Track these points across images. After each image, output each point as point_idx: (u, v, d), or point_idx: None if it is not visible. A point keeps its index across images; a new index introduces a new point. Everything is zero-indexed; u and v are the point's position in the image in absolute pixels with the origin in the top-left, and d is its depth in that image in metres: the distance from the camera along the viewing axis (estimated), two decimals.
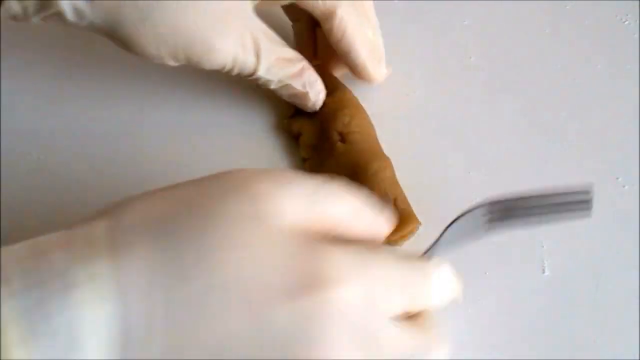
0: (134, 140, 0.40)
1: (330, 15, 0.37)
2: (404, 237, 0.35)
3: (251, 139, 0.40)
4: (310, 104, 0.39)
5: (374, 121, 0.39)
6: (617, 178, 0.39)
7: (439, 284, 0.28)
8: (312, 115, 0.39)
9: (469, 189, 0.38)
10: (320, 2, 0.36)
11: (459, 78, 0.42)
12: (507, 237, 0.36)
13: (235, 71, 0.36)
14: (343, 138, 0.38)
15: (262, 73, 0.36)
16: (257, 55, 0.35)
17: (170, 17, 0.33)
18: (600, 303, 0.35)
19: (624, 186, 0.38)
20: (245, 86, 0.40)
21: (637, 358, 0.33)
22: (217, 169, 0.39)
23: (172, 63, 0.35)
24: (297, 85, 0.38)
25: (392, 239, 0.35)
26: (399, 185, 0.37)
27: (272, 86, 0.37)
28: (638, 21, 0.44)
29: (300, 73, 0.37)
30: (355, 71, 0.39)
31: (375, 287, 0.25)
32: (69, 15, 0.32)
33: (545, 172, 0.39)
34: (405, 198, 0.36)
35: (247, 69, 0.36)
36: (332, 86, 0.40)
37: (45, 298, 0.22)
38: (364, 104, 0.40)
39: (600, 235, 0.37)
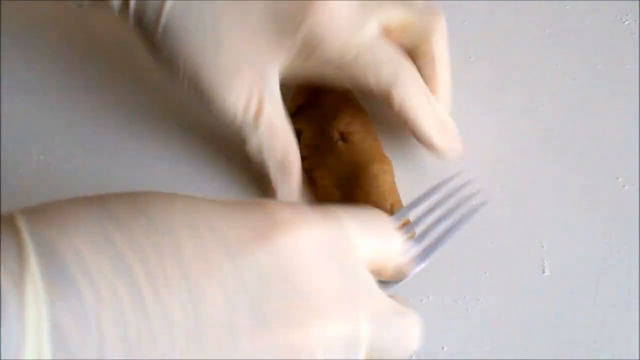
0: (135, 139, 0.40)
1: (387, 94, 0.35)
2: None
3: None
4: (268, 194, 0.36)
5: (373, 121, 0.39)
6: (617, 178, 0.39)
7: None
8: (313, 114, 0.39)
9: (469, 188, 0.38)
10: (373, 83, 0.35)
11: (459, 78, 0.42)
12: (507, 237, 0.37)
13: (231, 128, 0.35)
14: (344, 137, 0.38)
15: (250, 147, 0.35)
16: (256, 120, 0.34)
17: (186, 52, 0.33)
18: (600, 303, 0.35)
19: (624, 186, 0.38)
20: None
21: (637, 358, 0.33)
22: (213, 165, 0.39)
23: (182, 90, 0.35)
24: (273, 177, 0.35)
25: None
26: (397, 191, 0.37)
27: (253, 162, 0.35)
28: (638, 21, 0.44)
29: (283, 170, 0.35)
30: (421, 142, 0.36)
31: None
32: (116, 10, 0.34)
33: (545, 172, 0.39)
34: (401, 206, 0.36)
35: (242, 132, 0.34)
36: (332, 87, 0.40)
37: None
38: (364, 104, 0.40)
39: (600, 235, 0.37)
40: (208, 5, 0.33)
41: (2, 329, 0.18)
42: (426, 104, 0.36)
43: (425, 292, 0.35)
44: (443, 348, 0.34)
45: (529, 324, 0.34)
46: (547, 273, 0.36)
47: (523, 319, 0.34)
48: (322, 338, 0.21)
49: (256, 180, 0.37)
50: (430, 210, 0.32)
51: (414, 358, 0.33)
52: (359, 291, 0.23)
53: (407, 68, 0.36)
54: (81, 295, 0.19)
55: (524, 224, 0.37)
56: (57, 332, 0.19)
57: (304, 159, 0.39)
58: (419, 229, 0.31)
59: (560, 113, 0.41)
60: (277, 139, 0.35)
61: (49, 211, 0.21)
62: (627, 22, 0.44)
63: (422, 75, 0.37)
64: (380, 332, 0.23)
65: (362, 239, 0.25)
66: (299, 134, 0.39)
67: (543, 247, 0.36)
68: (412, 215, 0.32)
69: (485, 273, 0.36)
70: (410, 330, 0.25)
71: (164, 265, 0.20)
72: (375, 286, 0.25)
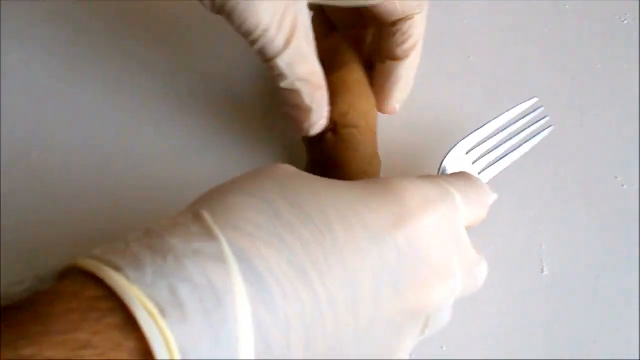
0: (135, 139, 0.40)
1: (407, 21, 0.36)
2: None
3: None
4: (306, 125, 0.35)
5: (374, 112, 0.38)
6: (617, 178, 0.39)
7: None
8: None
9: None
10: (400, 4, 0.35)
11: (458, 78, 0.42)
12: (507, 237, 0.37)
13: (259, 45, 0.33)
14: (335, 129, 0.35)
15: (281, 62, 0.33)
16: (288, 41, 0.33)
17: None
18: (600, 303, 0.35)
19: (623, 186, 0.38)
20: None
21: (637, 358, 0.33)
22: (216, 162, 0.39)
23: (207, 5, 0.32)
24: (306, 96, 0.34)
25: None
26: None
27: (282, 84, 0.34)
28: (638, 21, 0.44)
29: (315, 87, 0.35)
30: (380, 88, 0.38)
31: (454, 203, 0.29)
32: None
33: (545, 172, 0.39)
34: None
35: (272, 49, 0.33)
36: (342, 61, 0.37)
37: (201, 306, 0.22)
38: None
39: (600, 235, 0.37)
40: None
41: (222, 332, 0.21)
42: (416, 60, 0.38)
43: None
44: (443, 348, 0.34)
45: (529, 324, 0.34)
46: (546, 273, 0.36)
47: (523, 319, 0.34)
48: (439, 295, 0.26)
49: (283, 103, 0.36)
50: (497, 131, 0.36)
51: (413, 358, 0.33)
52: (459, 251, 0.28)
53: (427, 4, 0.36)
54: (272, 293, 0.22)
55: (524, 224, 0.37)
56: (259, 328, 0.22)
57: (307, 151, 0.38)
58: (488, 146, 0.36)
59: (560, 113, 0.41)
60: (306, 61, 0.34)
61: (227, 213, 0.24)
62: (626, 22, 0.44)
63: (392, 43, 0.37)
64: (466, 279, 0.28)
65: (466, 208, 0.29)
66: None
67: (543, 247, 0.36)
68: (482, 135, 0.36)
69: None
70: (481, 274, 0.30)
71: (326, 254, 0.24)
72: (468, 244, 0.29)
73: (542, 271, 0.36)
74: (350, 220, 0.25)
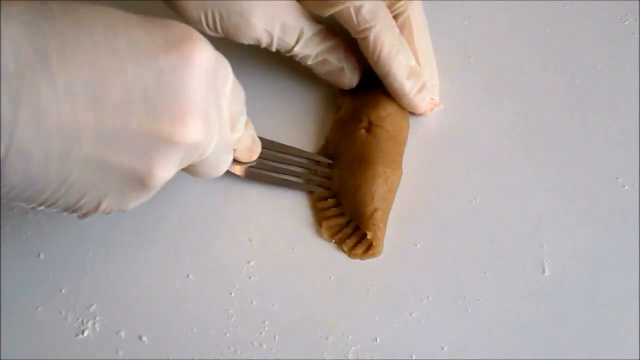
0: None
1: (364, 34, 0.37)
2: (363, 257, 0.36)
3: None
4: (347, 80, 0.39)
5: (406, 129, 0.39)
6: (617, 178, 0.39)
7: None
8: (358, 94, 0.40)
9: (469, 188, 0.38)
10: (354, 18, 0.36)
11: (458, 78, 0.42)
12: (507, 237, 0.37)
13: (274, 47, 0.36)
14: (369, 128, 0.38)
15: (299, 49, 0.37)
16: (299, 34, 0.36)
17: None
18: (600, 303, 0.35)
19: (624, 186, 0.38)
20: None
21: (637, 358, 0.34)
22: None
23: (210, 32, 0.35)
24: (334, 59, 0.38)
25: (352, 254, 0.36)
26: (389, 202, 0.37)
27: (309, 62, 0.38)
28: (638, 21, 0.44)
29: (336, 47, 0.38)
30: (395, 97, 0.39)
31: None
32: None
33: (545, 172, 0.39)
34: (384, 221, 0.37)
35: (285, 45, 0.36)
36: None
37: None
38: None
39: (600, 235, 0.37)
40: None
41: None
42: (402, 54, 0.37)
43: (425, 292, 0.35)
44: (443, 348, 0.34)
45: (529, 324, 0.34)
46: (547, 273, 0.36)
47: (523, 319, 0.35)
48: (193, 135, 0.27)
49: (318, 74, 0.39)
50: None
51: (414, 358, 0.33)
52: (220, 119, 0.30)
53: (387, 12, 0.37)
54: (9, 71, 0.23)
55: (524, 224, 0.37)
56: None
57: (331, 130, 0.40)
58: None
59: (560, 113, 0.41)
60: (317, 34, 0.37)
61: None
62: (627, 22, 0.44)
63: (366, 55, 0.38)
64: (213, 154, 0.30)
65: (234, 88, 0.31)
66: (338, 109, 0.40)
67: (543, 247, 0.36)
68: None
69: (485, 273, 0.36)
70: (223, 164, 0.32)
71: (75, 48, 0.25)
72: (227, 123, 0.31)
73: (543, 271, 0.36)
74: (118, 33, 0.26)
